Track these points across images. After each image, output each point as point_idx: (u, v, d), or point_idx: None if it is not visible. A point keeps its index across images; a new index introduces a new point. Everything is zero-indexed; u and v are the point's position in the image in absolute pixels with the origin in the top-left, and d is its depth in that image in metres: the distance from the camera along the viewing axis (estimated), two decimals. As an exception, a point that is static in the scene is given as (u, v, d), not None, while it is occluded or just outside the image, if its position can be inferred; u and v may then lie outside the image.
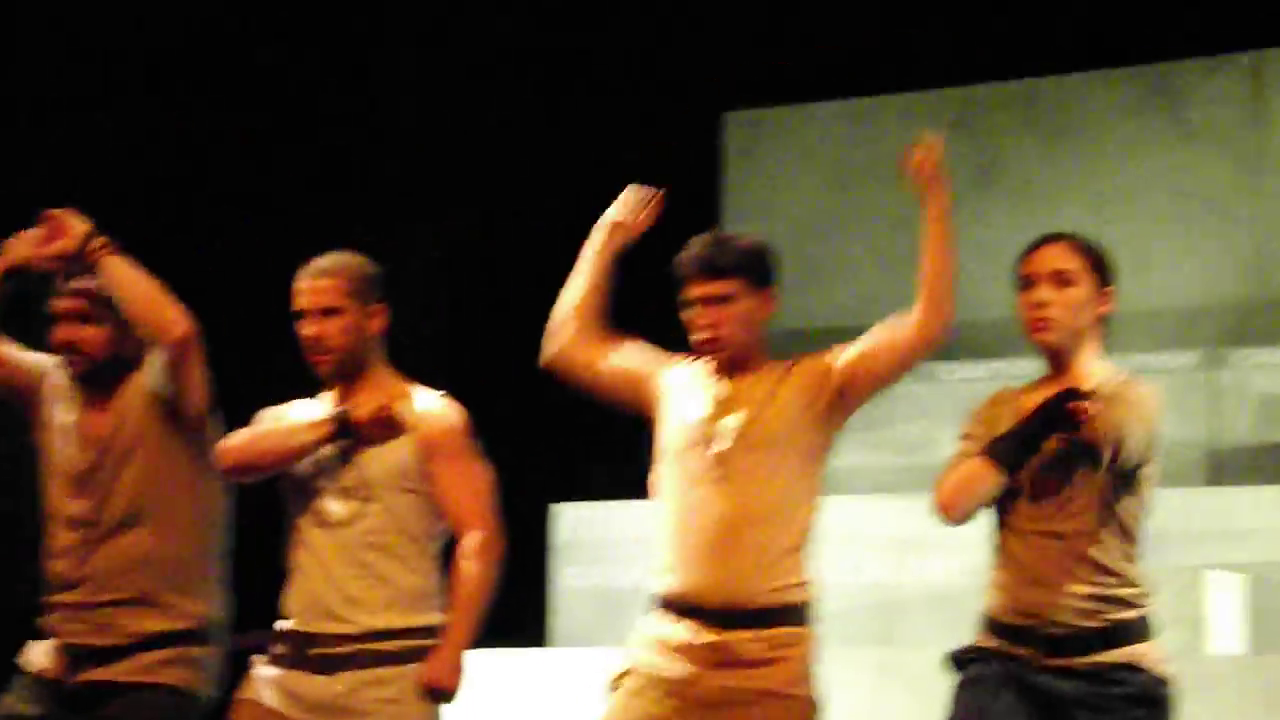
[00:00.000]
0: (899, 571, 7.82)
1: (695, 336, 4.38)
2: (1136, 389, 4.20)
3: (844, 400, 4.32)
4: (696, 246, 4.39)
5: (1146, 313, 9.44)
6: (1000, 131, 9.91)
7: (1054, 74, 9.85)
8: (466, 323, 9.86)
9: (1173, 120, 9.66)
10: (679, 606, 4.30)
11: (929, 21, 9.91)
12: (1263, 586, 7.29)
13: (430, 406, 4.65)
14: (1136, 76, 9.73)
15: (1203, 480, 8.65)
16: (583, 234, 4.61)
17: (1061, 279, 4.17)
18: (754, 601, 4.24)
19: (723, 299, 4.33)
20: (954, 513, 4.16)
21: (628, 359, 4.52)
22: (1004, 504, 4.20)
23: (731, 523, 4.26)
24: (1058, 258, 4.18)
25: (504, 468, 4.76)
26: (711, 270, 4.34)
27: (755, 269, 4.36)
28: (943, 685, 4.23)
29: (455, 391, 4.76)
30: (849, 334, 4.37)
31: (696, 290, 4.35)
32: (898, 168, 4.17)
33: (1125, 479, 4.12)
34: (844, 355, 4.34)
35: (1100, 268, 4.23)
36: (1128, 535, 4.13)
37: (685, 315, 4.37)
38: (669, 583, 4.32)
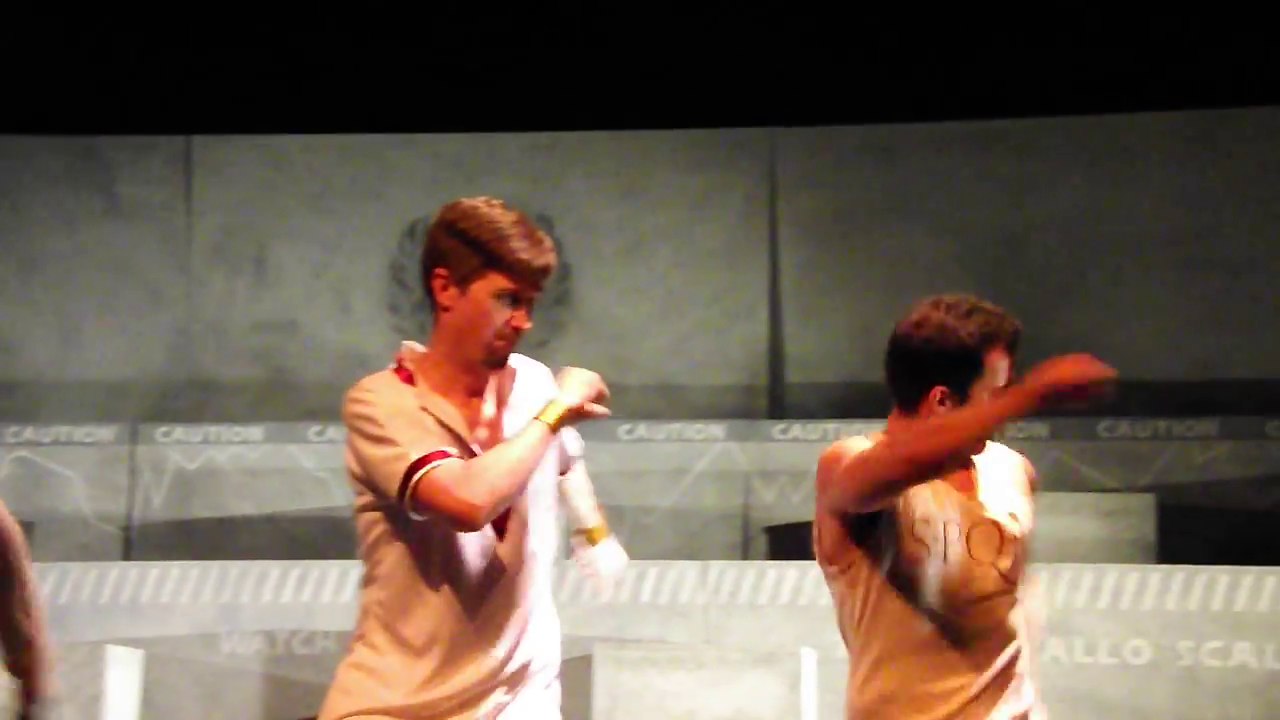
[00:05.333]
0: None
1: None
2: None
3: None
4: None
5: (75, 384, 9.40)
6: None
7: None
8: None
9: (104, 194, 9.70)
10: None
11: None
12: (157, 662, 7.40)
13: None
14: (69, 146, 9.71)
15: (120, 555, 8.68)
16: None
17: None
18: None
19: None
20: None
21: None
22: None
23: None
24: None
25: None
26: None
27: None
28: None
29: None
30: None
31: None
32: None
33: None
34: None
35: None
36: None
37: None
38: None
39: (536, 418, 3.69)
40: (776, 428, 9.08)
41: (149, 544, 8.81)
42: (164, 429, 9.04)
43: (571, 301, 9.40)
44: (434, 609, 3.65)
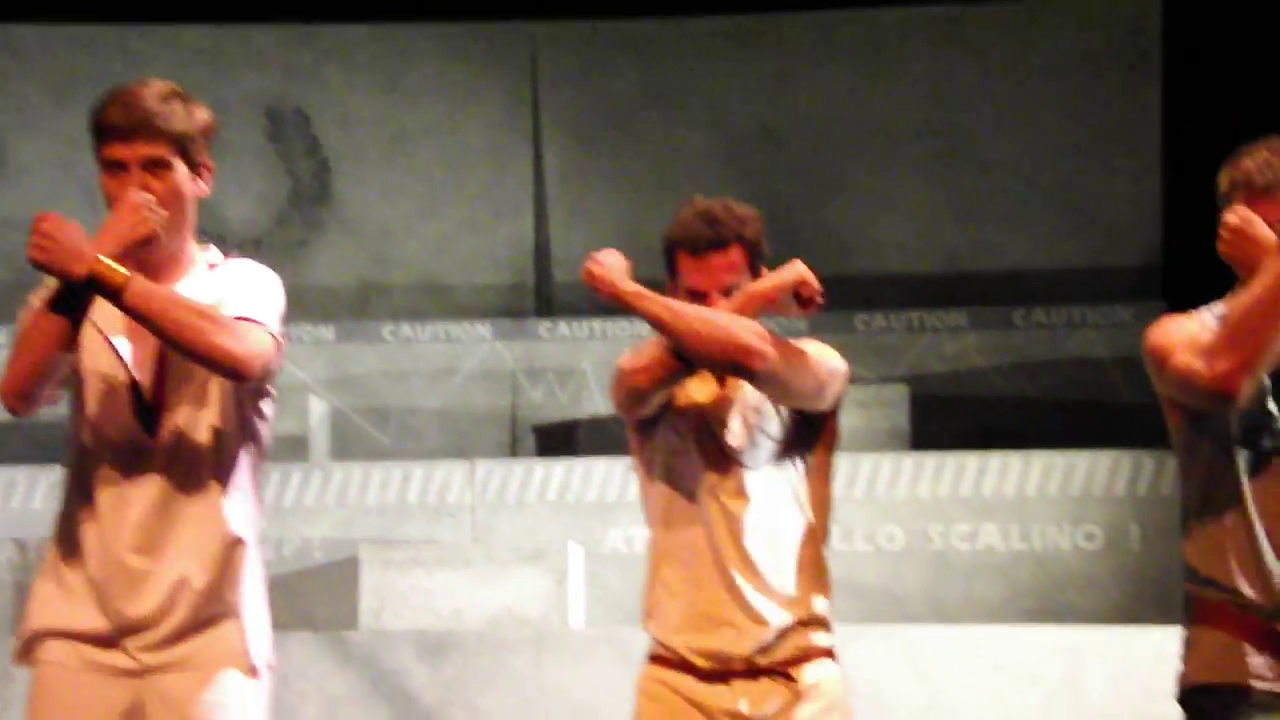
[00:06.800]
0: None
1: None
2: None
3: None
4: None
5: None
6: None
7: None
8: None
9: None
10: None
11: None
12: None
13: None
14: None
15: None
16: None
17: None
18: None
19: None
20: None
21: None
22: None
23: None
24: None
25: None
26: None
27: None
28: None
29: None
30: None
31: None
32: None
33: None
34: None
35: None
36: None
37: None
38: None
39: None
40: (543, 326, 9.11)
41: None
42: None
43: (331, 199, 9.30)
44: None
